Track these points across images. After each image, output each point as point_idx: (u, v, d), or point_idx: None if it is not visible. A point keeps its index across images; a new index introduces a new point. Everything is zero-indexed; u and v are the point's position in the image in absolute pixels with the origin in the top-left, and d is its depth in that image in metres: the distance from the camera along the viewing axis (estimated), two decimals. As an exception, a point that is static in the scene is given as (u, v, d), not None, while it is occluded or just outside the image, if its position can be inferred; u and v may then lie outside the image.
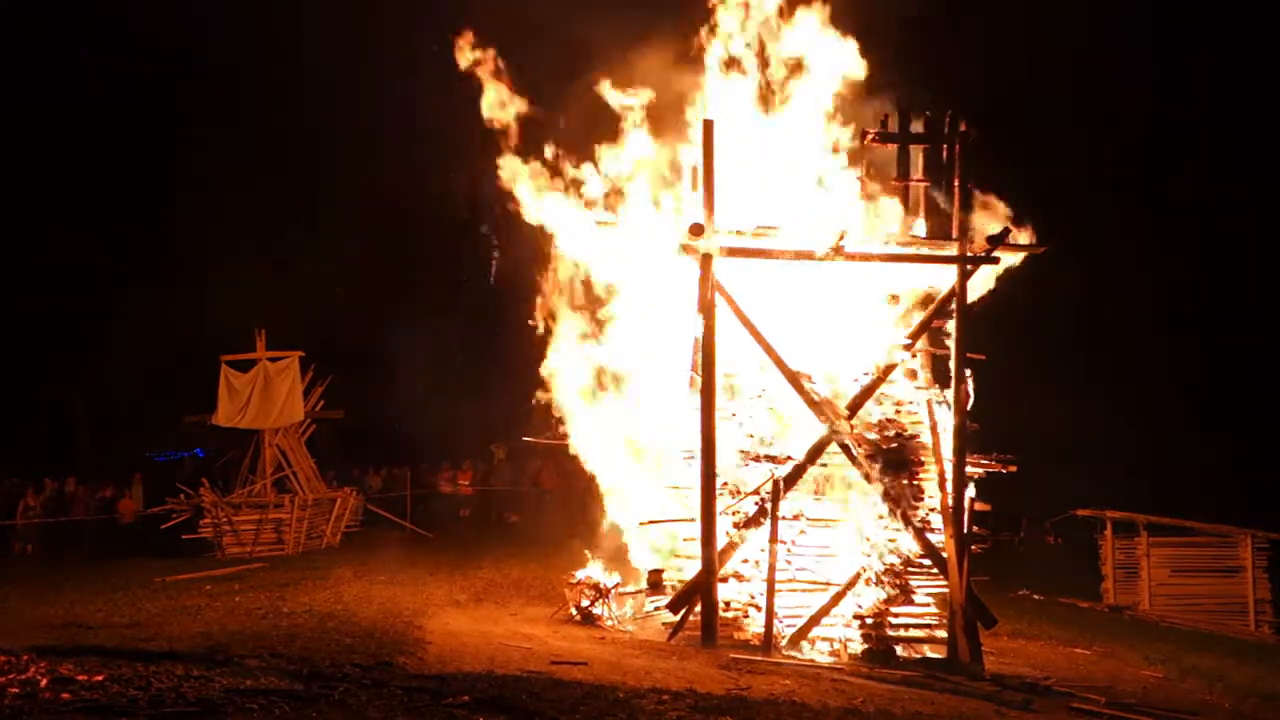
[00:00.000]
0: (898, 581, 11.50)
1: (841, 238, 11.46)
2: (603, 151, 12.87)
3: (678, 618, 11.34)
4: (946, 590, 11.38)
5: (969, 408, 11.62)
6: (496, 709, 7.39)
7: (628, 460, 12.87)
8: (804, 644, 11.26)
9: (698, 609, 11.28)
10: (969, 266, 11.69)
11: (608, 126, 12.87)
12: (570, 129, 13.45)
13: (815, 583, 11.54)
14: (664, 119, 12.69)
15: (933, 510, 11.68)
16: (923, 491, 11.76)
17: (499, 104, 13.09)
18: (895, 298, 12.35)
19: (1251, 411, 25.38)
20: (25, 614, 11.64)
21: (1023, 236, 11.77)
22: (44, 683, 7.35)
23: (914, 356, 12.06)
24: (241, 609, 12.03)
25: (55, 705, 6.85)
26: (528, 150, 13.09)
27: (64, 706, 6.82)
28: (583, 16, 13.65)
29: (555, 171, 12.97)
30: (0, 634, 9.76)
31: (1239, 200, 27.90)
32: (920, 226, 11.81)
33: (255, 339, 20.48)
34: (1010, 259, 11.93)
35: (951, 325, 11.76)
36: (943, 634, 11.35)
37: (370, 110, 25.88)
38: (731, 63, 12.54)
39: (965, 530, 11.44)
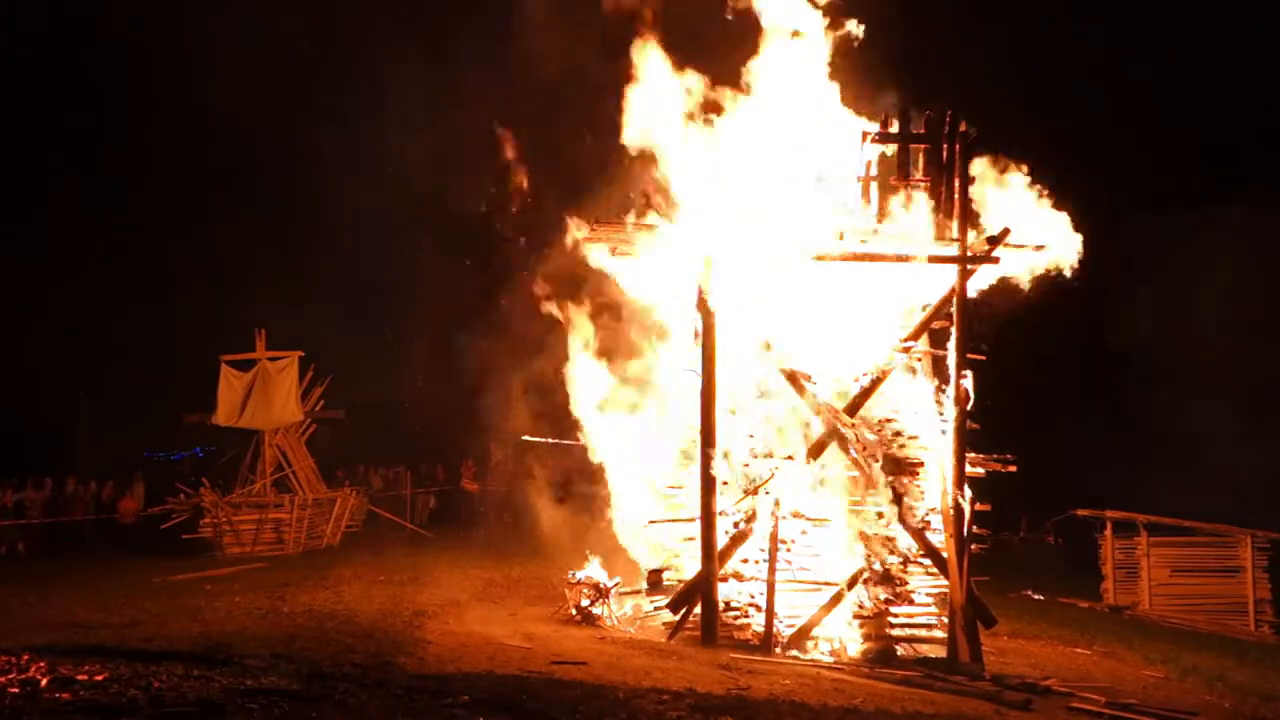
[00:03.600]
0: (897, 581, 11.51)
1: (841, 238, 11.46)
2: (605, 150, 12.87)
3: (678, 618, 11.34)
4: (946, 590, 11.38)
5: (969, 407, 11.61)
6: (496, 709, 7.38)
7: (629, 460, 12.86)
8: (804, 644, 11.26)
9: (698, 609, 11.28)
10: (969, 266, 11.69)
11: (608, 125, 12.87)
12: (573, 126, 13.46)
13: (815, 583, 11.54)
14: (663, 116, 12.64)
15: (932, 510, 11.68)
16: (922, 491, 11.76)
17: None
18: (896, 298, 12.34)
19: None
20: (25, 614, 11.63)
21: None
22: (44, 683, 7.35)
23: (914, 357, 12.06)
24: (241, 609, 12.03)
25: (55, 705, 6.84)
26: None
27: (64, 706, 6.81)
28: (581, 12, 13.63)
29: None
30: (0, 634, 9.76)
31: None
32: (920, 226, 11.80)
33: (255, 339, 20.50)
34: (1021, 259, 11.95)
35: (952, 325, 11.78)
36: (943, 634, 11.35)
37: (374, 108, 25.88)
38: (734, 61, 12.53)
39: (965, 530, 11.43)
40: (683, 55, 12.45)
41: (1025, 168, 11.81)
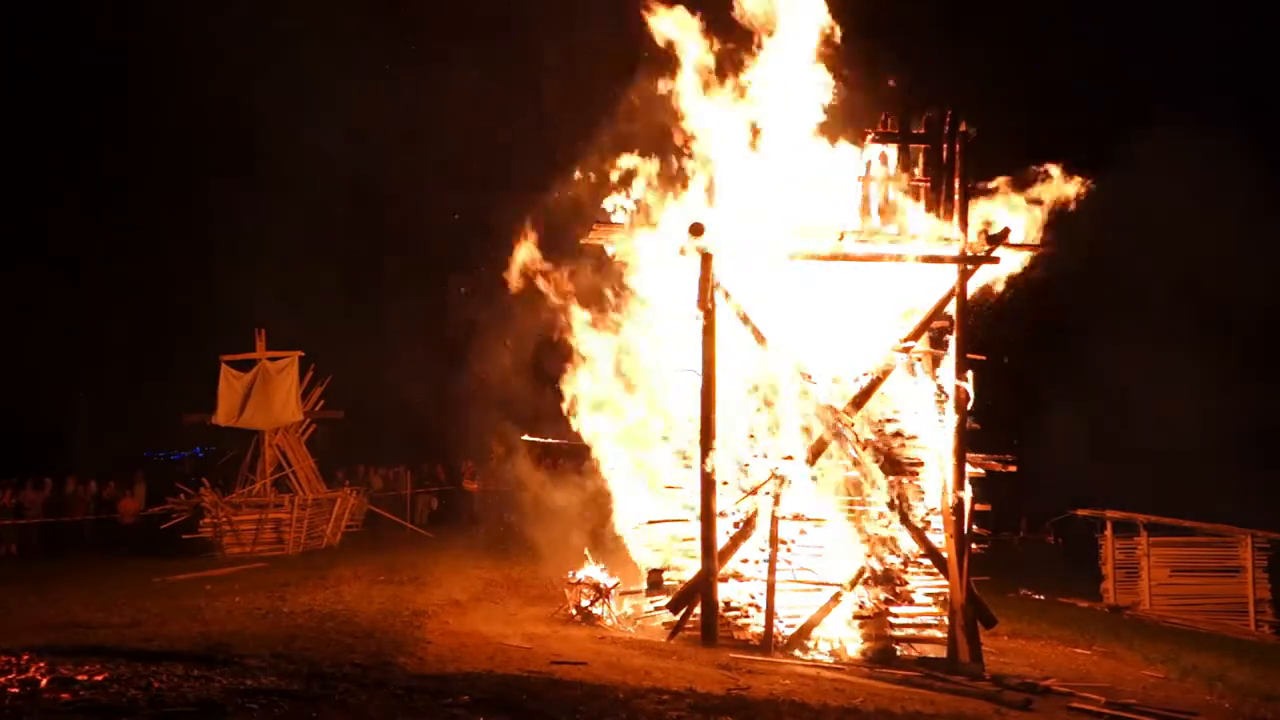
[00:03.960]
0: (897, 581, 11.51)
1: (841, 237, 11.47)
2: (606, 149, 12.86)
3: (678, 618, 11.34)
4: (946, 590, 11.38)
5: (969, 407, 11.61)
6: (496, 709, 7.38)
7: (629, 460, 12.86)
8: (804, 644, 11.26)
9: (698, 609, 11.28)
10: (969, 266, 11.69)
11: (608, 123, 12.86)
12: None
13: (815, 583, 11.54)
14: (664, 115, 12.64)
15: (933, 510, 11.68)
16: (922, 491, 11.77)
17: None
18: (896, 298, 12.33)
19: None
20: (25, 614, 11.63)
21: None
22: (44, 683, 7.35)
23: (914, 357, 12.05)
24: (241, 609, 12.03)
25: (55, 705, 6.84)
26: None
27: (64, 706, 6.81)
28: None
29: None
30: (0, 634, 9.76)
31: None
32: (920, 226, 11.80)
33: (255, 339, 20.50)
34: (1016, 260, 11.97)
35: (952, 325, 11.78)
36: (942, 634, 11.35)
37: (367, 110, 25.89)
38: (732, 60, 12.51)
39: (965, 530, 11.44)
40: (682, 55, 12.45)
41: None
